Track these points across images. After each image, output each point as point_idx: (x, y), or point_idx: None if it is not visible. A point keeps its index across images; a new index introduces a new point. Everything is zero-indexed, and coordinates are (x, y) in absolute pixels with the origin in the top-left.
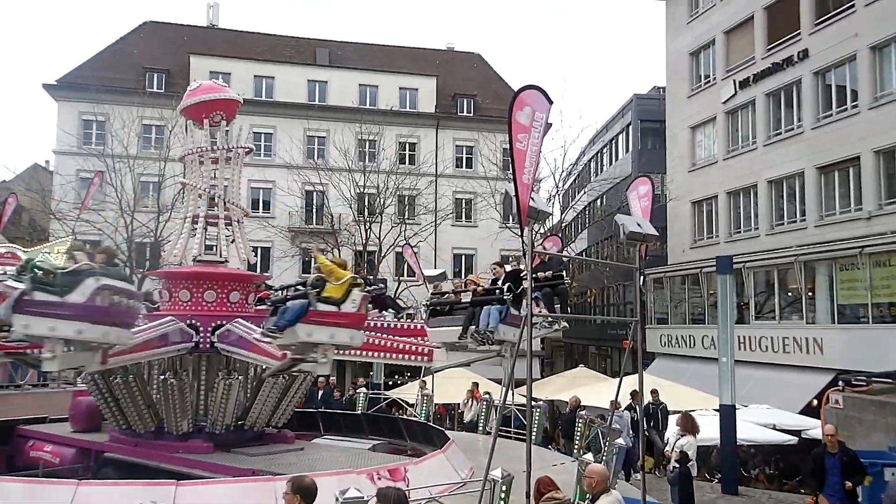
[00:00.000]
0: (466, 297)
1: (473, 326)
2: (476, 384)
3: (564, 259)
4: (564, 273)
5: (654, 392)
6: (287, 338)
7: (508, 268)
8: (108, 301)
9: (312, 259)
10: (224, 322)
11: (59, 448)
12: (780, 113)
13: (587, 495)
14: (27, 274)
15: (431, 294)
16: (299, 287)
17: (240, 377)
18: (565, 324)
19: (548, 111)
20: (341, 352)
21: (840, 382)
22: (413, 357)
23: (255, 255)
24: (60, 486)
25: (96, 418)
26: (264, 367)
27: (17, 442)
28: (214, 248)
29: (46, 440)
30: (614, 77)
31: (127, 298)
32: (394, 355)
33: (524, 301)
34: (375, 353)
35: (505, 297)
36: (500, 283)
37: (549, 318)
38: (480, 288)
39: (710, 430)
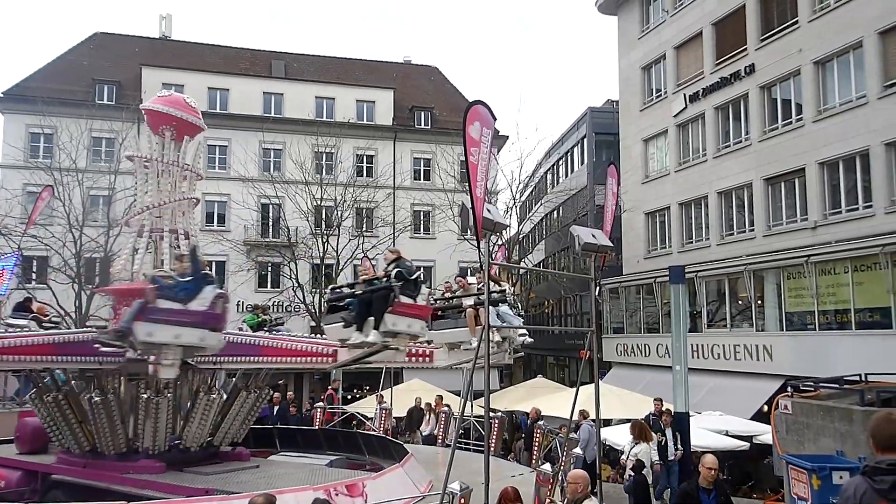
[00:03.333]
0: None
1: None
2: (440, 397)
3: (519, 269)
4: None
5: (657, 401)
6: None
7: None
8: None
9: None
10: None
11: (4, 471)
12: (729, 126)
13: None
14: None
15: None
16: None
17: (168, 395)
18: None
19: (493, 127)
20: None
21: (789, 388)
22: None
23: (210, 270)
24: None
25: (43, 439)
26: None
27: None
28: (165, 263)
29: None
30: (569, 90)
31: None
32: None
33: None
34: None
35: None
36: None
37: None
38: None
39: None
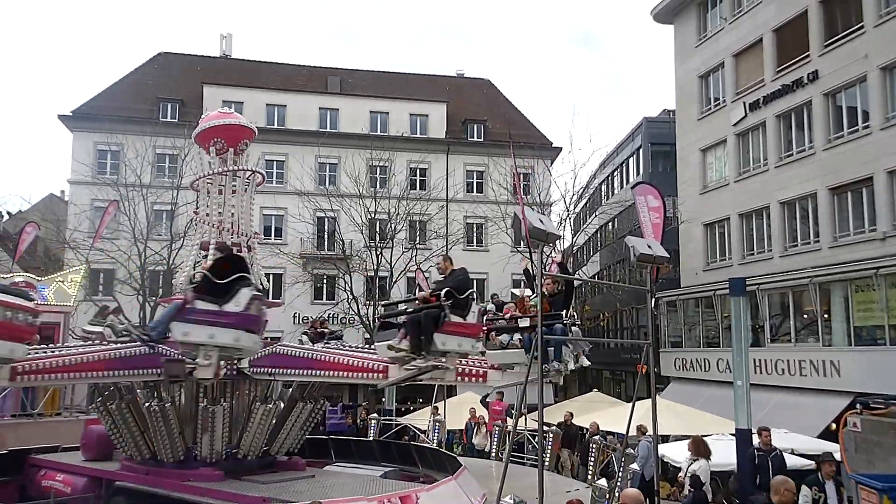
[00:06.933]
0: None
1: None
2: (473, 409)
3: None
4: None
5: (765, 432)
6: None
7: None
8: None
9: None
10: None
11: (70, 477)
12: (791, 134)
13: None
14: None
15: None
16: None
17: (278, 402)
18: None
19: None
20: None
21: (858, 405)
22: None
23: (268, 282)
24: None
25: (108, 447)
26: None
27: (30, 471)
28: None
29: (58, 469)
30: (624, 101)
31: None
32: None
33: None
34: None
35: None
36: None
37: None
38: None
39: (727, 455)
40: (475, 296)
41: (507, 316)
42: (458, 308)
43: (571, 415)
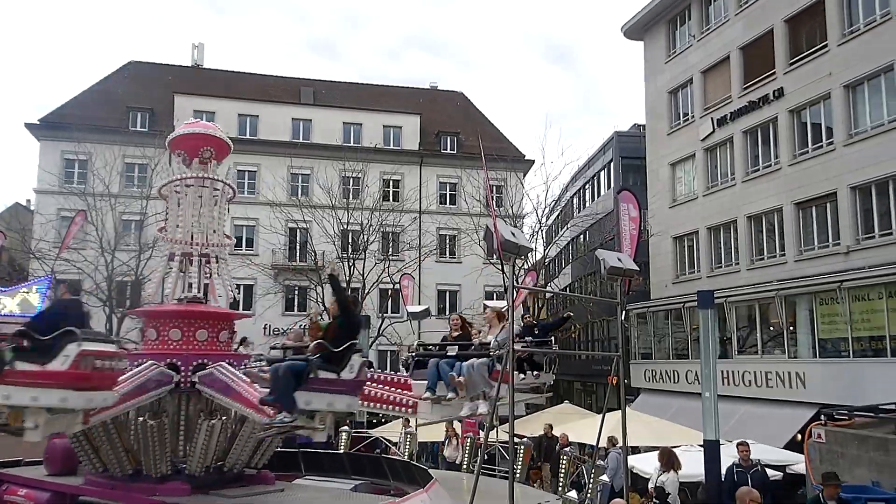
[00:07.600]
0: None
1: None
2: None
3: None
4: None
5: (742, 447)
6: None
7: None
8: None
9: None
10: (205, 361)
11: (33, 492)
12: (758, 150)
13: None
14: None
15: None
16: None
17: (223, 418)
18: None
19: None
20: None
21: (823, 417)
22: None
23: (238, 293)
24: None
25: (72, 461)
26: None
27: None
28: (195, 285)
29: (20, 484)
30: (595, 115)
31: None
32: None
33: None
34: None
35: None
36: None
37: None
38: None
39: (695, 466)
40: (86, 324)
41: (291, 344)
42: (35, 353)
43: (551, 427)
